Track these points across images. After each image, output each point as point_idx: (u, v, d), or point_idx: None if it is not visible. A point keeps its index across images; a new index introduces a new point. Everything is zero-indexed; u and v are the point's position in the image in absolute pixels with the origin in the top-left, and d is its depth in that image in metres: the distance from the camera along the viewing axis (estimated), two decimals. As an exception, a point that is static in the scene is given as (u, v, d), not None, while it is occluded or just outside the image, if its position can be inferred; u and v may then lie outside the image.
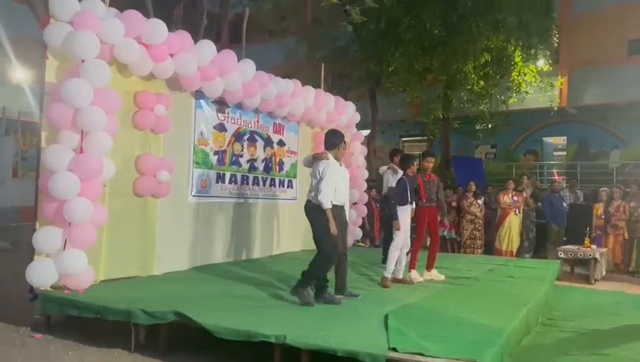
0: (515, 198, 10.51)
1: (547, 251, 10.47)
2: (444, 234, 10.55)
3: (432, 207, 6.52)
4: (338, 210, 5.22)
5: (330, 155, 5.15)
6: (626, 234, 9.80)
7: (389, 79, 15.32)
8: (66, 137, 4.98)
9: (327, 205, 4.94)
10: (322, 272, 5.01)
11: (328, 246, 4.98)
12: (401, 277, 6.30)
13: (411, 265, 6.42)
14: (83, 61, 4.98)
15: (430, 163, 6.60)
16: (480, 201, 10.78)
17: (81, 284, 4.99)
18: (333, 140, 5.23)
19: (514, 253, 10.40)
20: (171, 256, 6.40)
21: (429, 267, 6.60)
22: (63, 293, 4.84)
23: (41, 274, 4.85)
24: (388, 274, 6.08)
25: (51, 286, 4.93)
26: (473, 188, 10.86)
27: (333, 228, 4.94)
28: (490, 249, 10.72)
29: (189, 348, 4.50)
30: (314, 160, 5.25)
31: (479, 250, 10.57)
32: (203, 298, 4.98)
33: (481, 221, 10.68)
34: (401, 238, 6.16)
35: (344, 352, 3.55)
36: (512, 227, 10.46)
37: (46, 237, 4.89)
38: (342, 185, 5.29)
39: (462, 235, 10.71)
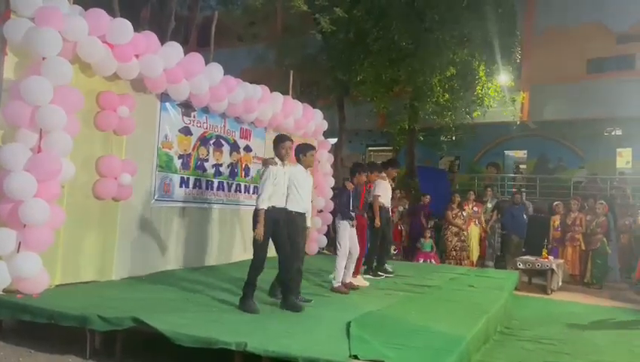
0: (476, 209, 10.67)
1: (507, 261, 10.70)
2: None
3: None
4: (300, 216, 5.26)
5: (277, 160, 5.15)
6: (583, 246, 10.10)
7: (356, 89, 15.46)
8: (24, 136, 4.82)
9: (260, 205, 4.91)
10: (252, 278, 4.96)
11: (257, 252, 4.99)
12: (348, 281, 6.32)
13: (356, 271, 6.51)
14: (44, 58, 4.84)
15: (376, 176, 7.04)
16: (465, 213, 10.60)
17: (35, 288, 4.81)
18: (275, 143, 5.27)
19: (474, 263, 10.52)
20: (131, 261, 6.26)
21: (355, 273, 6.62)
22: (15, 298, 4.65)
23: (-7, 277, 4.66)
24: (338, 283, 6.10)
25: (3, 290, 4.73)
26: (457, 199, 10.78)
27: (259, 232, 4.88)
28: None
29: (147, 355, 4.39)
30: (263, 165, 5.29)
31: (465, 261, 10.37)
32: (162, 304, 4.88)
33: (465, 233, 10.52)
34: (347, 247, 6.19)
35: (305, 359, 3.52)
36: (472, 237, 10.57)
37: (-2, 238, 4.70)
38: (302, 191, 5.30)
39: (446, 247, 10.62)
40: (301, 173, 5.34)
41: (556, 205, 10.90)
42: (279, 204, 5.06)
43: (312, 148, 5.63)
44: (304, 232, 5.45)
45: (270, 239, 5.03)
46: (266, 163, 5.19)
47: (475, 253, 10.61)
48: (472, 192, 11.12)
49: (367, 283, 6.58)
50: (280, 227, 5.06)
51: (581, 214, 10.29)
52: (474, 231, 10.62)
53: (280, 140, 5.26)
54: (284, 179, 5.13)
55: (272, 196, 4.98)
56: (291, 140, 5.33)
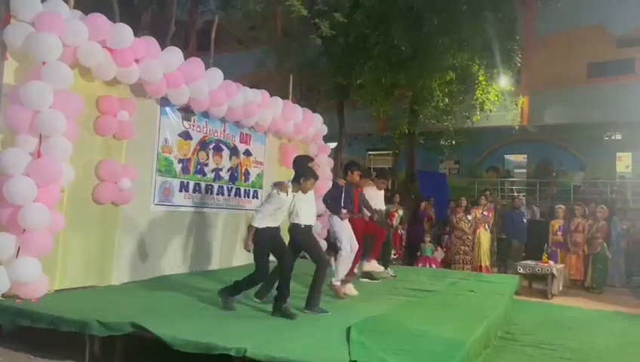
0: (486, 213, 10.54)
1: (507, 266, 10.67)
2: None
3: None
4: (306, 229, 5.37)
5: (289, 188, 5.17)
6: (586, 250, 10.03)
7: (356, 93, 15.47)
8: (24, 141, 4.82)
9: (255, 223, 5.00)
10: (249, 284, 5.15)
11: (257, 265, 5.09)
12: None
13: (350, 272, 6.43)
14: (44, 63, 4.85)
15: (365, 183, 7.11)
16: (470, 217, 10.44)
17: (35, 293, 4.80)
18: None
19: (488, 268, 10.28)
20: (131, 266, 6.25)
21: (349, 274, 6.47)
22: (14, 303, 4.64)
23: (-8, 282, 4.65)
24: (337, 281, 6.05)
25: (2, 295, 4.72)
26: (464, 202, 10.63)
27: (247, 244, 5.02)
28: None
29: (146, 361, 4.38)
30: (275, 186, 5.23)
31: (468, 266, 10.23)
32: (162, 309, 4.86)
33: (469, 237, 10.37)
34: (348, 243, 6.17)
35: (305, 365, 3.52)
36: (483, 242, 10.35)
37: (-2, 243, 4.69)
38: (309, 207, 5.40)
39: (451, 252, 10.50)
40: (305, 196, 5.38)
41: (557, 208, 10.88)
42: (275, 224, 5.13)
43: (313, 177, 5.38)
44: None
45: (269, 254, 5.16)
46: (280, 187, 5.13)
47: (486, 259, 10.34)
48: (483, 196, 10.96)
49: (356, 293, 6.29)
50: (277, 241, 5.16)
51: (583, 220, 10.24)
52: (485, 236, 10.39)
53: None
54: (288, 206, 5.23)
55: (270, 218, 5.07)
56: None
